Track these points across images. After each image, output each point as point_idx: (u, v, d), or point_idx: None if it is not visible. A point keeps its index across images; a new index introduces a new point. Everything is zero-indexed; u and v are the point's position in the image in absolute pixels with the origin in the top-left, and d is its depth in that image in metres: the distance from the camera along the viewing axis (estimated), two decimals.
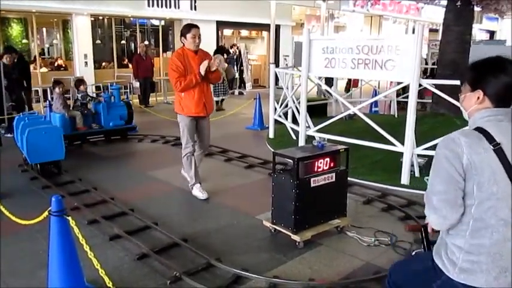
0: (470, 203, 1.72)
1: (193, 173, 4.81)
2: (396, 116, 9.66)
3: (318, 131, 6.21)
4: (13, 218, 3.21)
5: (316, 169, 3.65)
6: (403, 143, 5.24)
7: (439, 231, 1.93)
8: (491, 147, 1.69)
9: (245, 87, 15.97)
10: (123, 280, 3.09)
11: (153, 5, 13.17)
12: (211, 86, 5.19)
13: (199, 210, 4.57)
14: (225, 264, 3.25)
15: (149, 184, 5.43)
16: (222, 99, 11.38)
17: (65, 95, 7.67)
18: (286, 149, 4.00)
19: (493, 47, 11.35)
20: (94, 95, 8.61)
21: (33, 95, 10.95)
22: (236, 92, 14.95)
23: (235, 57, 15.36)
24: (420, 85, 5.23)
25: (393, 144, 5.36)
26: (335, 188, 3.80)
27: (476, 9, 8.64)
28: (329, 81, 10.42)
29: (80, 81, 7.89)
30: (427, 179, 2.06)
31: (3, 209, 3.39)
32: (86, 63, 12.45)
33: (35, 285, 3.05)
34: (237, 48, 15.99)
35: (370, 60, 5.41)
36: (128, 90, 12.24)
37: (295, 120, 7.38)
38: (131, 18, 14.17)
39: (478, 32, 24.52)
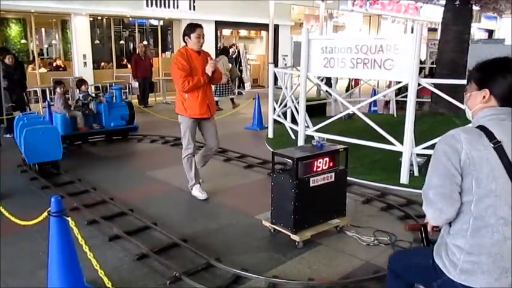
0: (469, 199, 1.73)
1: (193, 174, 4.81)
2: (395, 115, 9.67)
3: (317, 130, 6.21)
4: (12, 219, 3.21)
5: (315, 169, 3.65)
6: (402, 143, 5.24)
7: (439, 230, 1.93)
8: (492, 145, 1.70)
9: (244, 87, 15.97)
10: (123, 280, 3.09)
11: (151, 5, 13.17)
12: (214, 86, 5.19)
13: (199, 210, 4.57)
14: (224, 264, 3.25)
15: (149, 184, 5.43)
16: (232, 98, 11.43)
17: (66, 95, 7.67)
18: (285, 149, 4.00)
19: (491, 46, 11.34)
20: (94, 95, 8.60)
21: (32, 95, 10.97)
22: (235, 91, 14.97)
23: (234, 57, 15.37)
24: (419, 84, 5.23)
25: (392, 144, 5.37)
26: (334, 188, 3.81)
27: (475, 8, 8.66)
28: (328, 82, 10.44)
29: (81, 81, 7.92)
30: None
31: (2, 210, 3.39)
32: (85, 63, 12.44)
33: (35, 285, 3.05)
34: (236, 48, 16.00)
35: (369, 60, 5.41)
36: (127, 91, 12.24)
37: (294, 120, 7.38)
38: (130, 18, 14.16)
39: (477, 31, 24.52)
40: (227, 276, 3.13)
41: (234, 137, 8.10)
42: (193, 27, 4.57)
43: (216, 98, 10.90)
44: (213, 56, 5.23)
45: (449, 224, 1.82)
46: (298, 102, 6.76)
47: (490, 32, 27.23)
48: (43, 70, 12.73)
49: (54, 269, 2.60)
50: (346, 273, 3.23)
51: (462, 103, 2.02)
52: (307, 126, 6.48)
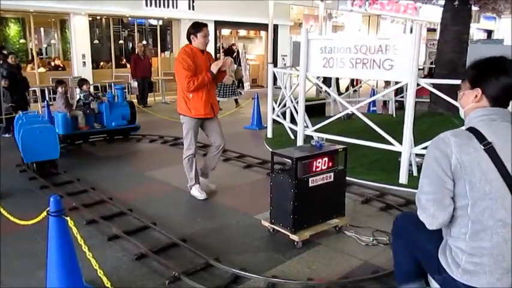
0: (465, 203, 1.73)
1: (193, 174, 4.79)
2: (394, 115, 9.68)
3: (316, 130, 6.22)
4: (11, 218, 3.20)
5: (314, 169, 3.65)
6: (401, 143, 5.25)
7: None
8: (482, 147, 1.70)
9: (243, 87, 15.98)
10: (122, 280, 3.09)
11: (151, 5, 13.17)
12: (218, 86, 5.17)
13: (198, 210, 4.57)
14: (223, 264, 3.25)
15: (148, 184, 5.42)
16: (236, 99, 11.47)
17: (66, 95, 7.68)
18: (284, 149, 3.99)
19: (490, 46, 11.36)
20: (96, 95, 8.61)
21: (31, 95, 10.96)
22: (239, 92, 15.01)
23: (233, 57, 15.36)
24: (418, 85, 5.24)
25: (391, 144, 5.37)
26: (333, 188, 3.81)
27: (474, 8, 8.66)
28: (328, 82, 10.45)
29: (83, 81, 7.95)
30: None
31: (1, 210, 3.38)
32: (84, 63, 12.44)
33: (34, 285, 3.05)
34: (236, 48, 15.99)
35: (368, 60, 5.42)
36: (126, 90, 12.23)
37: (293, 120, 7.38)
38: (129, 18, 14.16)
39: (476, 31, 24.55)
40: (226, 276, 3.13)
41: (233, 136, 8.09)
42: (200, 26, 4.54)
43: (219, 99, 11.01)
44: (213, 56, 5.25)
45: (449, 226, 1.82)
46: (297, 102, 6.76)
47: (489, 33, 27.27)
48: (42, 70, 12.72)
49: (53, 268, 2.60)
50: (345, 273, 3.23)
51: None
52: (306, 126, 6.49)
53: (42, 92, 11.23)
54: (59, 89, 7.46)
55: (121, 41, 14.78)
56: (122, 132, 7.95)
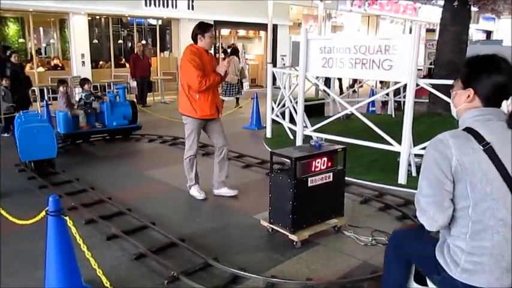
0: (466, 204, 1.72)
1: (193, 175, 4.78)
2: (393, 115, 9.69)
3: (315, 130, 6.22)
4: (10, 218, 3.20)
5: (313, 169, 3.65)
6: (400, 143, 5.25)
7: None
8: (481, 147, 1.69)
9: (243, 87, 15.95)
10: (121, 280, 3.09)
11: (150, 5, 13.15)
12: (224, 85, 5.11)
13: (197, 210, 4.57)
14: (222, 264, 3.25)
15: (147, 184, 5.42)
16: (238, 98, 11.52)
17: (68, 94, 7.70)
18: (283, 149, 4.00)
19: (489, 47, 11.38)
20: (98, 95, 8.62)
21: (30, 94, 10.93)
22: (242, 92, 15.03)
23: (238, 56, 15.35)
24: (417, 85, 5.24)
25: (390, 144, 5.38)
26: (332, 188, 3.81)
27: (473, 9, 8.67)
28: (327, 81, 10.48)
29: (84, 80, 7.98)
30: None
31: (0, 210, 3.38)
32: (83, 62, 12.43)
33: (32, 285, 3.05)
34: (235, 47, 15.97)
35: (367, 60, 5.42)
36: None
37: (292, 120, 7.39)
38: (128, 18, 14.15)
39: (475, 32, 24.56)
40: (225, 276, 3.13)
41: (232, 136, 8.06)
42: (207, 27, 4.51)
43: (225, 98, 11.10)
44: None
45: (449, 226, 1.82)
46: (296, 102, 6.76)
47: (488, 33, 27.29)
48: (41, 69, 12.71)
49: (52, 268, 2.60)
50: (344, 273, 3.24)
51: None
52: (306, 126, 6.49)
53: (41, 91, 11.23)
54: (61, 89, 7.50)
55: (120, 41, 14.77)
56: (123, 132, 7.95)
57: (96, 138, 7.74)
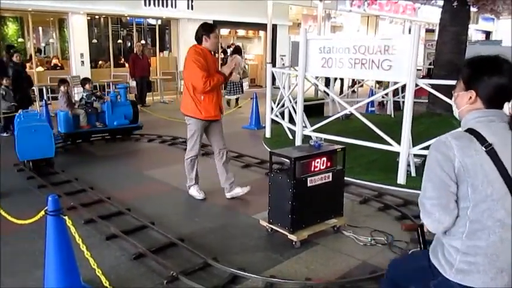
0: (466, 205, 1.72)
1: (193, 175, 4.77)
2: (393, 115, 9.69)
3: (315, 130, 6.22)
4: (9, 218, 3.19)
5: (313, 169, 3.66)
6: (399, 143, 5.25)
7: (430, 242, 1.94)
8: (483, 148, 1.69)
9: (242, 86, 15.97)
10: (120, 280, 3.09)
11: (149, 4, 13.14)
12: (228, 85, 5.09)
13: (196, 210, 4.57)
14: (221, 264, 3.25)
15: (146, 184, 5.42)
16: (232, 99, 11.56)
17: (68, 94, 7.71)
18: (283, 149, 4.00)
19: (489, 47, 11.40)
20: (99, 94, 8.63)
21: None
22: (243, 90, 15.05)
23: (241, 55, 15.36)
24: (416, 85, 5.25)
25: (390, 144, 5.38)
26: (332, 188, 3.81)
27: (473, 9, 8.67)
28: (327, 81, 10.49)
29: (85, 80, 8.00)
30: None
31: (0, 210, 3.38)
32: (82, 62, 12.41)
33: (32, 285, 3.04)
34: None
35: (367, 60, 5.42)
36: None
37: (291, 120, 7.39)
38: (128, 18, 14.13)
39: (474, 32, 24.58)
40: (224, 276, 3.13)
41: (232, 136, 8.08)
42: (212, 27, 4.51)
43: (231, 97, 11.21)
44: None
45: None
46: (295, 102, 6.76)
47: (487, 34, 27.31)
48: (40, 69, 12.69)
49: (51, 268, 2.60)
50: (343, 273, 3.24)
51: None
52: (305, 126, 6.49)
53: (40, 91, 11.21)
54: (62, 88, 7.52)
55: (119, 41, 14.74)
56: (124, 132, 7.95)
57: (95, 138, 7.73)
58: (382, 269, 3.15)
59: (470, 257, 1.72)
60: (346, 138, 5.67)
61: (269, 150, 4.96)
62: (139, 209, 4.43)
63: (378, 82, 12.02)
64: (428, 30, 22.69)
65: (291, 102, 7.44)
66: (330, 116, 6.77)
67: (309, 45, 6.08)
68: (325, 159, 3.73)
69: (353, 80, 14.09)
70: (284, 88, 7.70)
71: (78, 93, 10.04)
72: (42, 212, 2.60)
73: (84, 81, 7.93)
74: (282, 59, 16.88)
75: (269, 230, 3.85)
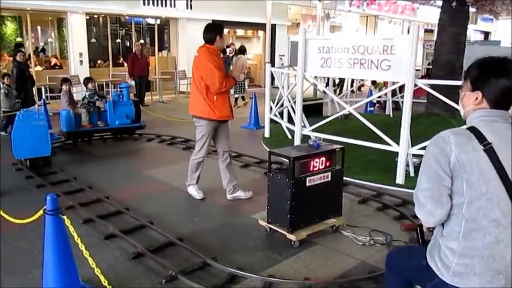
0: (461, 200, 1.73)
1: (196, 175, 4.74)
2: (391, 116, 9.70)
3: (314, 130, 6.22)
4: (7, 217, 3.19)
5: (311, 168, 3.66)
6: (398, 143, 5.26)
7: (433, 230, 1.94)
8: (482, 147, 1.70)
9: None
10: (119, 279, 3.08)
11: (148, 4, 13.13)
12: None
13: (195, 210, 4.56)
14: (220, 263, 3.25)
15: (145, 183, 5.41)
16: (237, 97, 11.60)
17: (70, 93, 7.73)
18: (282, 148, 4.00)
19: (487, 47, 11.40)
20: (102, 94, 8.65)
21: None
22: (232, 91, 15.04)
23: (231, 56, 15.36)
24: (415, 85, 5.25)
25: (388, 144, 5.39)
26: (330, 188, 3.81)
27: (471, 10, 8.68)
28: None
29: (88, 79, 8.02)
30: None
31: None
32: (81, 61, 12.40)
33: (30, 284, 3.04)
34: (233, 47, 15.97)
35: (366, 60, 5.42)
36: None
37: (290, 120, 7.39)
38: (126, 17, 14.11)
39: (473, 32, 24.62)
40: (223, 275, 3.13)
41: (231, 136, 8.05)
42: (221, 27, 4.52)
43: (236, 95, 11.33)
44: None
45: (442, 225, 1.83)
46: (294, 102, 6.76)
47: (486, 34, 27.36)
48: (39, 68, 12.66)
49: (49, 267, 2.59)
50: (342, 272, 3.24)
51: (458, 104, 2.01)
52: (304, 126, 6.49)
53: (39, 90, 11.19)
54: (64, 87, 7.55)
55: (118, 40, 14.72)
56: (126, 131, 7.95)
57: (94, 137, 7.72)
58: (380, 269, 3.15)
59: (467, 259, 1.72)
60: (345, 138, 5.67)
61: (268, 149, 4.96)
62: (138, 209, 4.43)
63: (373, 83, 12.03)
64: (427, 31, 22.72)
65: (290, 102, 7.44)
66: (329, 116, 6.78)
67: (308, 45, 6.08)
68: (324, 159, 3.73)
69: (352, 80, 14.10)
70: (283, 88, 7.70)
71: (76, 92, 10.01)
72: (41, 212, 2.60)
73: (87, 81, 7.96)
74: (281, 58, 16.89)
75: (268, 229, 3.85)
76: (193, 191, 4.78)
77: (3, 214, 3.25)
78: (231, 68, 14.64)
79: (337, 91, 13.49)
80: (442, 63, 8.12)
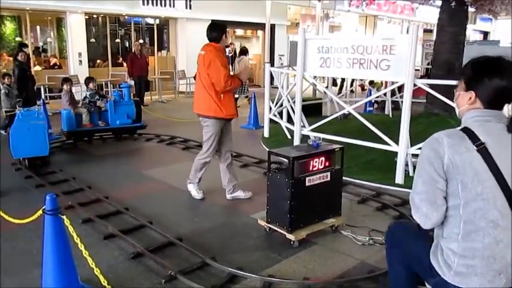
0: (457, 202, 1.73)
1: (200, 175, 4.71)
2: (391, 115, 9.71)
3: (313, 130, 6.22)
4: (6, 217, 3.18)
5: (311, 168, 3.66)
6: (397, 143, 5.26)
7: (432, 230, 1.94)
8: (475, 147, 1.70)
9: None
10: (118, 279, 3.08)
11: (147, 4, 13.13)
12: None
13: (195, 209, 4.56)
14: (220, 263, 3.25)
15: (144, 183, 5.41)
16: (237, 97, 11.60)
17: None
18: (281, 148, 4.00)
19: (487, 47, 11.41)
20: (103, 93, 8.65)
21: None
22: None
23: (230, 56, 15.35)
24: (415, 85, 5.25)
25: (388, 144, 5.39)
26: (330, 187, 3.81)
27: (471, 9, 8.68)
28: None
29: (89, 79, 8.03)
30: None
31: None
32: (80, 61, 12.40)
33: (29, 284, 3.03)
34: (233, 47, 15.97)
35: (365, 60, 5.43)
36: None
37: (290, 120, 7.39)
38: (126, 17, 14.11)
39: (472, 32, 24.65)
40: (222, 275, 3.13)
41: None
42: (225, 27, 4.53)
43: (236, 95, 11.15)
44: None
45: (442, 226, 1.83)
46: (294, 102, 6.76)
47: (485, 34, 27.39)
48: (38, 68, 12.65)
49: (48, 267, 2.59)
50: (341, 272, 3.24)
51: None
52: (303, 126, 6.49)
53: (38, 90, 11.18)
54: (65, 87, 7.56)
55: (117, 40, 14.71)
56: (127, 131, 7.94)
57: (95, 137, 7.72)
58: (380, 269, 3.16)
59: (468, 260, 1.73)
60: (345, 137, 5.67)
61: (267, 149, 4.96)
62: (137, 209, 4.43)
63: (370, 83, 12.03)
64: (426, 31, 22.73)
65: (289, 101, 7.44)
66: (328, 116, 6.78)
67: (307, 45, 6.08)
68: (323, 158, 3.73)
69: (352, 80, 14.10)
70: (282, 88, 7.70)
71: (76, 92, 10.00)
72: (40, 211, 2.60)
73: (88, 80, 7.97)
74: (280, 58, 16.89)
75: (267, 229, 3.85)
76: (194, 191, 4.77)
77: (2, 214, 3.24)
78: (231, 67, 14.65)
79: (337, 91, 13.48)
80: (441, 63, 8.12)
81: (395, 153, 5.36)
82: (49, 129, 7.11)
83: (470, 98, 1.82)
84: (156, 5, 13.35)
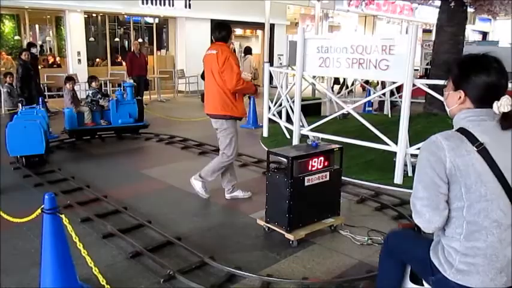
0: (461, 205, 1.72)
1: (214, 176, 4.63)
2: (390, 115, 9.71)
3: (312, 130, 6.22)
4: (5, 216, 3.18)
5: (310, 168, 3.66)
6: (396, 143, 5.26)
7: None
8: (475, 148, 1.69)
9: None
10: (117, 278, 3.08)
11: (147, 3, 13.13)
12: None
13: (193, 209, 4.56)
14: (218, 263, 3.24)
15: (143, 182, 5.41)
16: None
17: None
18: (280, 148, 4.00)
19: (486, 47, 11.40)
20: (105, 92, 8.66)
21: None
22: None
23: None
24: (414, 85, 5.26)
25: (387, 144, 5.39)
26: (329, 187, 3.81)
27: (470, 10, 8.69)
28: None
29: (92, 78, 8.05)
30: None
31: None
32: (79, 60, 12.39)
33: (27, 283, 3.03)
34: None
35: (364, 60, 5.43)
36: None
37: (289, 119, 7.39)
38: (125, 16, 14.10)
39: (471, 32, 24.67)
40: (221, 275, 3.13)
41: None
42: (230, 27, 4.53)
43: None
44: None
45: (443, 226, 1.82)
46: (293, 102, 6.77)
47: (484, 34, 27.42)
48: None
49: (47, 266, 2.58)
50: (340, 272, 3.24)
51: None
52: (302, 126, 6.49)
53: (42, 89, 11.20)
54: (67, 85, 7.59)
55: (117, 39, 14.70)
56: (129, 130, 7.94)
57: (93, 136, 7.71)
58: (378, 268, 3.15)
59: (470, 258, 1.72)
60: (344, 137, 5.68)
61: (266, 149, 4.96)
62: (136, 208, 4.43)
63: (366, 82, 12.03)
64: (425, 31, 22.75)
65: (288, 101, 7.44)
66: (328, 116, 6.78)
67: (306, 44, 6.08)
68: (322, 158, 3.73)
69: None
70: (282, 87, 7.70)
71: (76, 91, 10.00)
72: (39, 210, 2.59)
73: (90, 79, 8.01)
74: (279, 58, 16.87)
75: (266, 229, 3.85)
76: (201, 189, 4.66)
77: (1, 213, 3.24)
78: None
79: (337, 89, 13.48)
80: (440, 63, 8.12)
81: (394, 153, 5.36)
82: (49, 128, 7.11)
83: (460, 97, 1.81)
84: (155, 4, 13.34)
